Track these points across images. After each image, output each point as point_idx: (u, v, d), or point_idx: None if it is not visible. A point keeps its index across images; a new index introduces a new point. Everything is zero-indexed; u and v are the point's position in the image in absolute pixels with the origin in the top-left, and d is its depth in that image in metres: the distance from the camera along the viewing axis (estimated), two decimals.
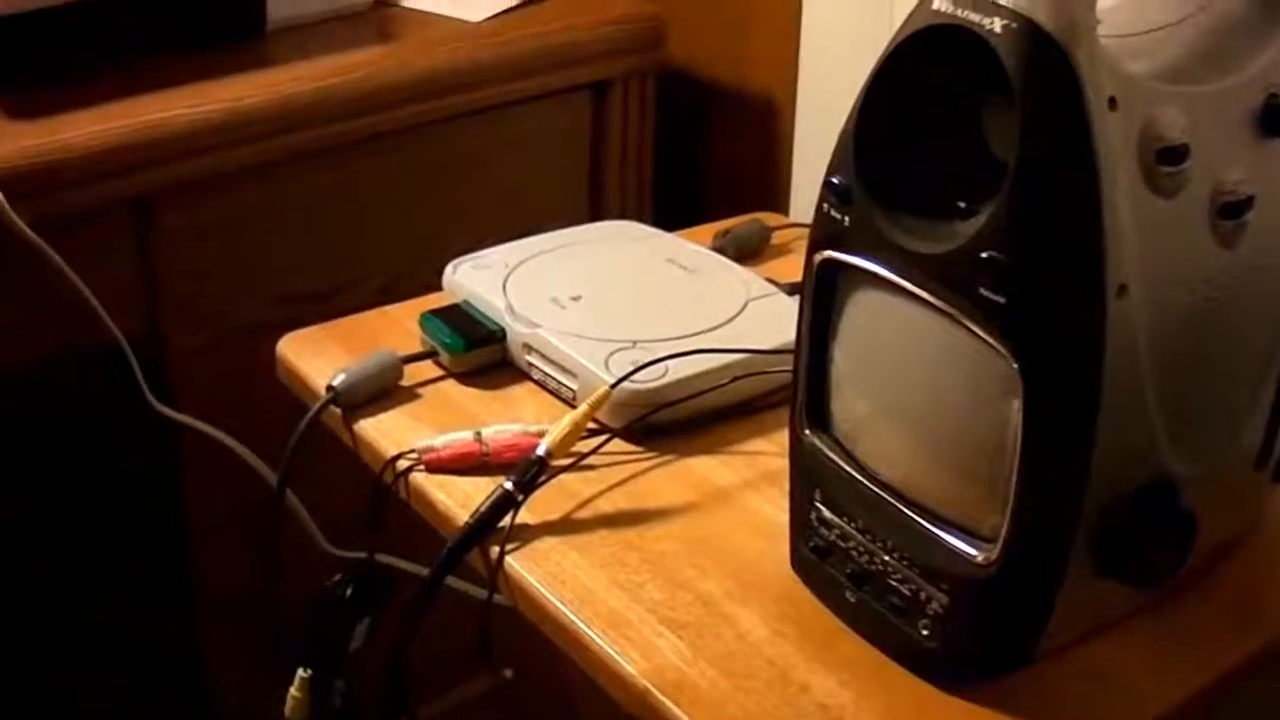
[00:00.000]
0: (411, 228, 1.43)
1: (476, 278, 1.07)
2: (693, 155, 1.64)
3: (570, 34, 1.47)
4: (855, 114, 0.76)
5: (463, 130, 1.44)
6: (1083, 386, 0.72)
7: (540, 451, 0.90)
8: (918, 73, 0.74)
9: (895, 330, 0.78)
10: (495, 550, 0.87)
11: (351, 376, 1.00)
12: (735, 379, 0.98)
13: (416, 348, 1.05)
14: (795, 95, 1.44)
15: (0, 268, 1.21)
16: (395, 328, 1.09)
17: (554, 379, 1.00)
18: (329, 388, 1.00)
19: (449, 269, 1.09)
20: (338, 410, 1.00)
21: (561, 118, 1.50)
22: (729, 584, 0.85)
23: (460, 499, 0.91)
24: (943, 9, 0.72)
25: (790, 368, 0.86)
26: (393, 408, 1.01)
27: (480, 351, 1.03)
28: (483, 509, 0.89)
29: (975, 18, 0.70)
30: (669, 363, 0.97)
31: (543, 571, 0.86)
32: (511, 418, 0.98)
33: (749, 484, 0.94)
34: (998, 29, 0.69)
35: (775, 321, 1.02)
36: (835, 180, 0.78)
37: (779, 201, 1.52)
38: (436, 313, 1.05)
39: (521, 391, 1.02)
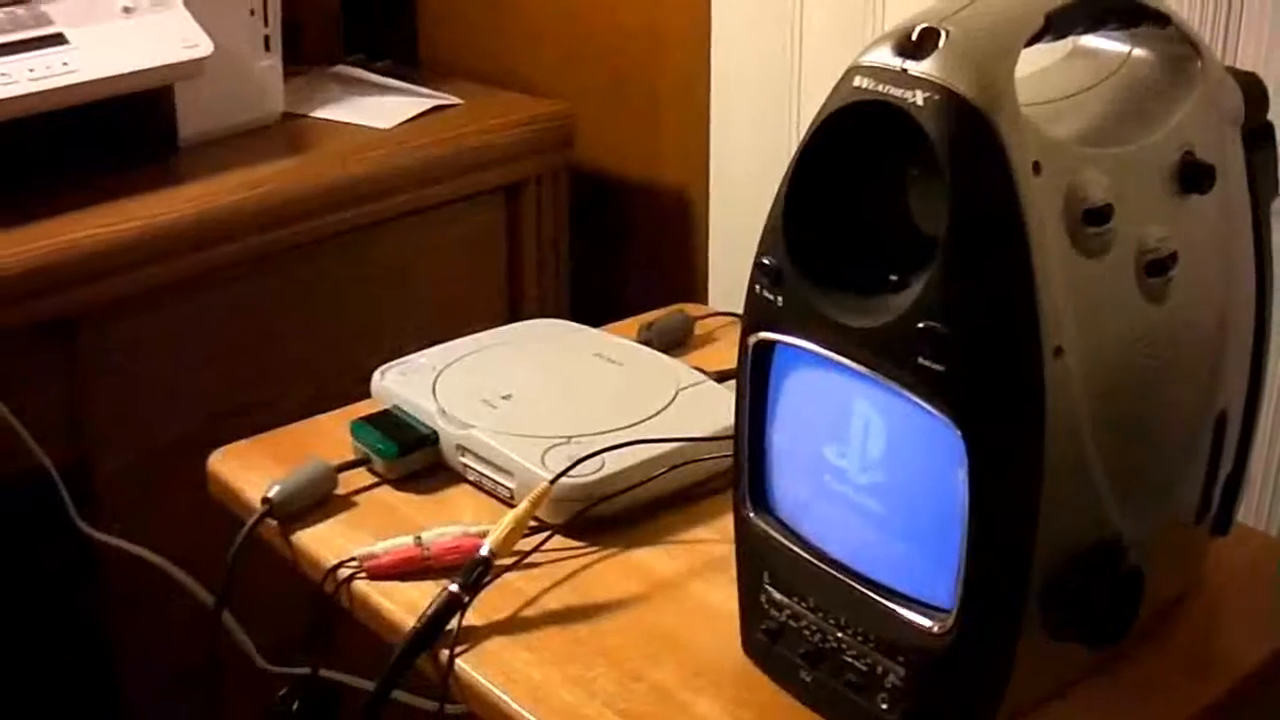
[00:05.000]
0: (334, 336, 1.42)
1: (405, 382, 1.07)
2: (607, 251, 1.65)
3: (481, 138, 1.48)
4: (783, 194, 0.77)
5: (378, 238, 1.44)
6: (1026, 450, 0.72)
7: (484, 551, 0.89)
8: (841, 150, 0.75)
9: (835, 407, 0.78)
10: (445, 654, 0.86)
11: (286, 487, 0.99)
12: (673, 468, 0.98)
13: (349, 456, 1.04)
14: (708, 185, 1.45)
15: None
16: (326, 437, 1.07)
17: (490, 479, 0.99)
18: (264, 500, 0.98)
19: (377, 375, 1.09)
20: (274, 522, 0.98)
21: (476, 220, 1.51)
22: (683, 672, 0.85)
23: (405, 605, 0.90)
24: (864, 85, 0.72)
25: (726, 454, 0.86)
26: (329, 517, 0.99)
27: (414, 456, 1.02)
28: (429, 612, 0.87)
29: (897, 92, 0.71)
30: (605, 456, 0.96)
31: (494, 672, 0.85)
32: (449, 520, 0.97)
33: (694, 572, 0.93)
34: (920, 102, 0.70)
35: (707, 409, 1.03)
36: (766, 261, 0.78)
37: (696, 293, 1.52)
38: (367, 419, 1.04)
39: (458, 494, 1.01)
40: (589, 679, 0.84)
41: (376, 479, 1.03)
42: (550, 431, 0.99)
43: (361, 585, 0.93)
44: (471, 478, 1.01)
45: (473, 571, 0.89)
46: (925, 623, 0.76)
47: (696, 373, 1.09)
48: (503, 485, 0.99)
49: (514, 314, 1.51)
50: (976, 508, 0.72)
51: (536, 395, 1.05)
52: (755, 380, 0.82)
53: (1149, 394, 0.78)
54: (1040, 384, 0.71)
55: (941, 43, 0.71)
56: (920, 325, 0.71)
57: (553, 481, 0.94)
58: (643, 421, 1.01)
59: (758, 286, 0.79)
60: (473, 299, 1.51)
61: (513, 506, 0.95)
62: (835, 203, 0.76)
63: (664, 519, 0.98)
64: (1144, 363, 0.77)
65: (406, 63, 1.74)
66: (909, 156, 0.73)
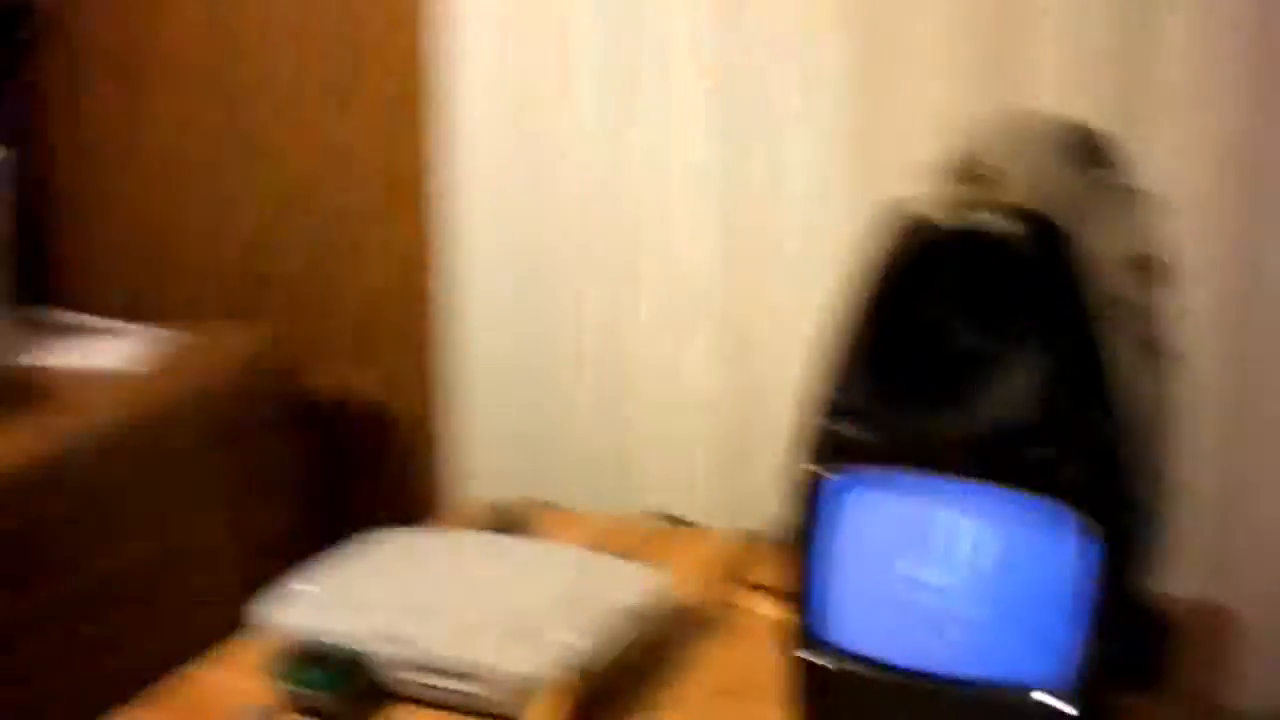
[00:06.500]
0: None
1: (309, 612, 1.00)
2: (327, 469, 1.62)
3: (212, 375, 1.44)
4: (860, 331, 0.82)
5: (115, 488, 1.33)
6: (1121, 518, 0.80)
7: None
8: (905, 281, 0.81)
9: (919, 526, 0.83)
10: None
11: None
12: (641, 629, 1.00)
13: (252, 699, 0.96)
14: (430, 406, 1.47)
15: None
16: (215, 687, 1.00)
17: (444, 688, 0.95)
18: None
19: (264, 610, 1.01)
20: None
21: (204, 460, 1.43)
22: None
23: None
24: (944, 220, 0.80)
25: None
26: None
27: (356, 685, 0.96)
28: None
29: (983, 221, 0.79)
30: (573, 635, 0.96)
31: None
32: None
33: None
34: (1009, 226, 0.78)
35: (616, 575, 1.05)
36: (839, 400, 0.83)
37: (426, 499, 1.53)
38: (292, 659, 0.97)
39: (401, 714, 0.96)
40: None
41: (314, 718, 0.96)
42: (485, 629, 0.97)
43: None
44: (416, 693, 0.96)
45: None
46: (1047, 698, 0.81)
47: (572, 547, 1.11)
48: (459, 691, 0.95)
49: (240, 544, 1.43)
50: (1091, 582, 0.79)
51: (445, 598, 1.01)
52: (814, 515, 0.85)
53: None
54: (1121, 455, 0.80)
55: (1000, 174, 0.80)
56: (1042, 424, 0.78)
57: (573, 667, 0.92)
58: (565, 597, 1.01)
59: (832, 421, 0.83)
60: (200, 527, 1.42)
61: (478, 711, 0.93)
62: (894, 334, 0.82)
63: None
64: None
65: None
66: (974, 274, 0.80)
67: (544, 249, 1.38)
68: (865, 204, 0.85)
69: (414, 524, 1.21)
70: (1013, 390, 0.79)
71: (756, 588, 1.11)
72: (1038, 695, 0.81)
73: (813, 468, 0.84)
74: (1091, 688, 0.81)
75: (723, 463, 1.39)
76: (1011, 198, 0.79)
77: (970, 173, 0.80)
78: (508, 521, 1.21)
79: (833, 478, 0.84)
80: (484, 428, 1.43)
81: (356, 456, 1.62)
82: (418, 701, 0.97)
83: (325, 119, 1.55)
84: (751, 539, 1.20)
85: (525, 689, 0.93)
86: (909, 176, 0.83)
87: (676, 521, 1.25)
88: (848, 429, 0.83)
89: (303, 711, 0.95)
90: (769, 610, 1.07)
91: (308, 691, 0.95)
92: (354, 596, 1.02)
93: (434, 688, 0.96)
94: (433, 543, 1.12)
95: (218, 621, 1.02)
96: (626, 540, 1.18)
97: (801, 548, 0.86)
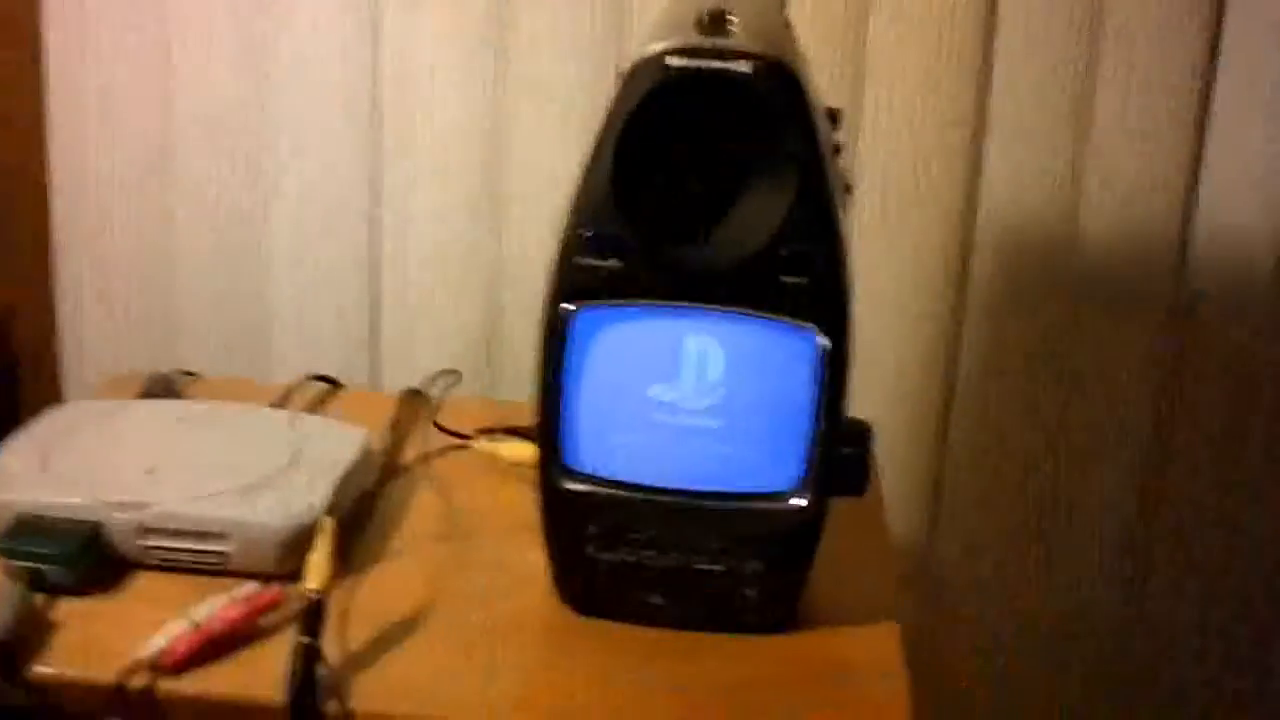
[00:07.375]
0: None
1: (23, 486, 0.97)
2: None
3: None
4: (604, 169, 0.86)
5: None
6: (846, 338, 0.89)
7: (314, 591, 0.89)
8: (647, 122, 0.86)
9: (665, 349, 0.89)
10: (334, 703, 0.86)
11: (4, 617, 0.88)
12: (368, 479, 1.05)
13: None
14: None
15: None
16: None
17: (189, 550, 0.95)
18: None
19: None
20: None
21: None
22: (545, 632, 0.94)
23: (243, 682, 0.87)
24: (681, 63, 0.85)
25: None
26: (48, 644, 0.89)
27: (91, 553, 0.94)
28: (297, 670, 0.85)
29: (718, 64, 0.84)
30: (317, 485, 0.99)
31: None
32: (154, 605, 0.91)
33: (461, 563, 1.00)
34: (745, 70, 0.84)
35: (328, 430, 1.08)
36: (592, 233, 0.87)
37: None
38: (14, 533, 0.94)
39: (142, 581, 0.95)
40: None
41: (50, 596, 0.93)
42: (222, 488, 0.97)
43: (172, 684, 0.86)
44: (159, 558, 0.96)
45: (311, 618, 0.88)
46: (782, 507, 0.90)
47: (270, 409, 1.12)
48: (212, 551, 0.95)
49: None
50: (823, 395, 0.88)
51: (168, 460, 1.01)
52: (571, 349, 0.90)
53: None
54: (844, 280, 0.89)
55: (734, 25, 0.86)
56: (784, 251, 0.86)
57: (329, 514, 0.95)
58: (285, 448, 1.03)
59: (580, 258, 0.88)
60: None
61: (226, 571, 0.94)
62: (639, 170, 0.87)
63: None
64: None
65: None
66: (713, 115, 0.86)
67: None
68: None
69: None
70: (752, 222, 0.86)
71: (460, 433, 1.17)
72: (775, 502, 0.91)
73: (563, 303, 0.89)
74: (821, 495, 0.91)
75: (358, 323, 1.42)
76: (752, 44, 0.85)
77: (707, 25, 0.86)
78: (162, 392, 1.20)
79: (582, 312, 0.89)
80: (105, 302, 1.41)
81: None
82: (160, 568, 0.96)
83: None
84: (414, 394, 1.24)
85: (278, 542, 0.94)
86: None
87: (330, 383, 1.27)
88: (597, 264, 0.87)
89: (35, 587, 0.93)
90: (487, 452, 1.14)
91: (37, 566, 0.92)
92: (66, 467, 1.00)
93: (178, 551, 0.96)
94: (124, 412, 1.10)
95: None
96: (293, 403, 1.19)
97: (551, 382, 0.91)
